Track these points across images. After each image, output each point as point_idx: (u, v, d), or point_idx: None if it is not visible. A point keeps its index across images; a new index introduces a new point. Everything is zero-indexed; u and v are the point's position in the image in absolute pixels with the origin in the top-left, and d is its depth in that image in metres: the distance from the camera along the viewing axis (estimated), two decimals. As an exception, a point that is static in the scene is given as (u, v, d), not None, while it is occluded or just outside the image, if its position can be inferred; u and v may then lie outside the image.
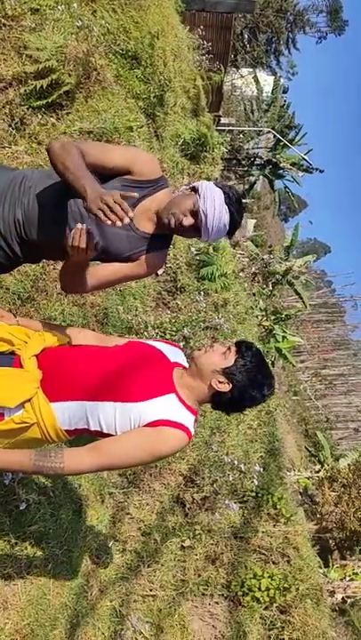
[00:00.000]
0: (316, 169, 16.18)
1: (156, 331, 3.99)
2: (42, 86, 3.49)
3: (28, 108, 3.50)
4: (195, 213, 1.76)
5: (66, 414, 1.65)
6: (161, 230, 1.86)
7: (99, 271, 1.98)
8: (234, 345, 1.71)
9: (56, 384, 1.67)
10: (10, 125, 3.41)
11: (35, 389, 1.64)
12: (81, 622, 2.85)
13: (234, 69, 16.25)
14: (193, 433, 1.66)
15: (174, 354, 1.81)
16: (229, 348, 1.69)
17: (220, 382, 1.66)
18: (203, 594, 3.46)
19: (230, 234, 1.87)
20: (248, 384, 1.65)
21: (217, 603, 3.47)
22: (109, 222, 1.45)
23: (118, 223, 1.43)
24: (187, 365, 1.76)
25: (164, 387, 1.67)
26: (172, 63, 5.19)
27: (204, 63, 6.91)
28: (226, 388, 1.66)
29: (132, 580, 3.25)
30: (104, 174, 1.73)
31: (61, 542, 2.87)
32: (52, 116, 3.60)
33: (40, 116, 3.53)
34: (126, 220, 1.44)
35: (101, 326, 3.76)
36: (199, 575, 3.48)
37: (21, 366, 1.70)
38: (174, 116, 5.55)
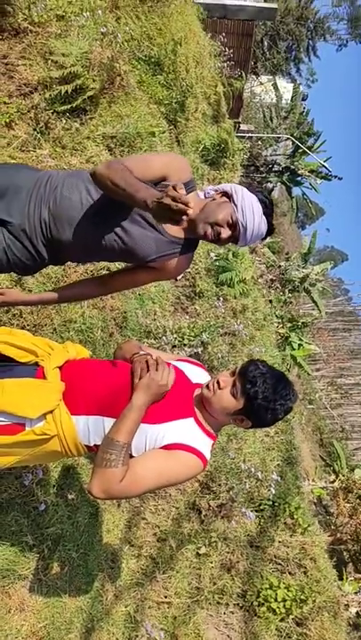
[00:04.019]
0: (335, 176, 16.06)
1: (175, 335, 3.98)
2: (67, 91, 3.53)
3: (52, 113, 3.54)
4: (232, 225, 1.73)
5: (86, 428, 1.63)
6: (189, 234, 1.84)
7: (119, 279, 1.97)
8: (238, 379, 1.59)
9: (77, 397, 1.65)
10: (35, 129, 3.45)
11: (57, 401, 1.63)
12: (96, 627, 2.84)
13: (253, 76, 16.26)
14: (209, 458, 1.61)
15: (196, 374, 1.78)
16: (235, 385, 1.60)
17: (239, 421, 1.63)
18: (218, 602, 3.42)
19: (264, 239, 1.85)
20: (267, 416, 1.59)
21: (232, 612, 3.43)
22: (175, 224, 1.43)
23: (185, 218, 1.40)
24: None
25: (183, 410, 1.64)
26: (193, 69, 5.22)
27: (225, 70, 6.93)
28: (245, 425, 1.63)
29: (147, 586, 3.23)
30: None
31: (78, 545, 2.86)
32: (75, 121, 3.63)
33: (64, 121, 3.56)
34: (190, 212, 1.40)
35: (120, 330, 3.76)
36: (214, 583, 3.44)
37: (44, 377, 1.69)
38: (195, 121, 5.57)
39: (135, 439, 1.56)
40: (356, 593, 7.98)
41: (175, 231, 1.83)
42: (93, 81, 3.67)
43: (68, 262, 2.00)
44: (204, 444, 1.61)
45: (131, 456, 1.58)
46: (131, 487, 1.53)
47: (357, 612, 7.55)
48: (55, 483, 2.83)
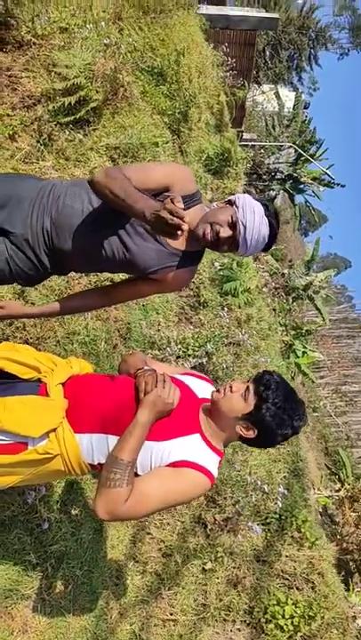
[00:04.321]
0: (338, 183, 16.08)
1: (179, 346, 3.94)
2: (70, 103, 3.53)
3: (55, 125, 3.53)
4: (233, 225, 1.70)
5: (89, 446, 1.59)
6: (193, 246, 1.81)
7: (121, 290, 1.95)
8: (252, 383, 1.58)
9: (81, 414, 1.62)
10: (38, 141, 3.44)
11: (60, 419, 1.59)
12: (100, 646, 2.78)
13: (255, 85, 16.33)
14: (216, 475, 1.57)
15: (203, 389, 1.73)
16: (248, 389, 1.58)
17: (244, 428, 1.57)
18: (224, 619, 3.36)
19: (267, 248, 1.81)
20: (275, 427, 1.54)
21: (239, 629, 3.36)
22: (171, 237, 1.42)
23: (179, 232, 1.39)
24: None
25: (189, 426, 1.59)
26: (196, 80, 5.22)
27: (227, 79, 6.94)
28: (251, 434, 1.57)
29: (152, 604, 3.17)
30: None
31: (82, 562, 2.81)
32: (79, 132, 3.62)
33: (67, 132, 3.56)
34: (185, 227, 1.39)
35: (124, 341, 3.73)
36: (221, 600, 3.38)
37: (47, 394, 1.66)
38: (198, 131, 5.57)
39: (140, 456, 1.52)
40: (363, 604, 7.89)
41: (177, 243, 1.80)
42: (97, 92, 3.66)
43: (72, 273, 1.98)
44: (211, 460, 1.57)
45: (136, 474, 1.55)
46: (136, 507, 1.49)
47: (365, 624, 7.46)
48: (59, 499, 2.79)
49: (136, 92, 4.09)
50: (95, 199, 1.74)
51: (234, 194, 5.66)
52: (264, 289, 6.10)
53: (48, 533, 2.64)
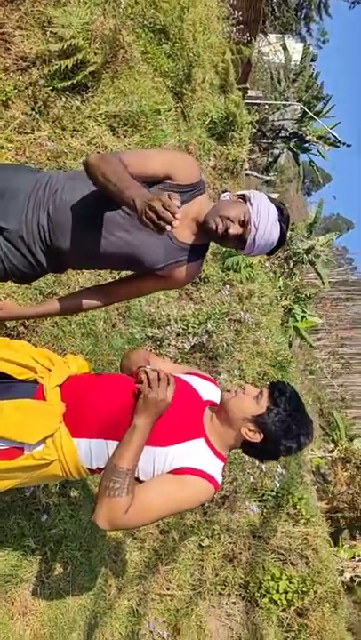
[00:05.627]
0: (344, 143, 15.60)
1: (179, 324, 3.87)
2: (67, 66, 3.31)
3: (51, 90, 3.32)
4: (244, 224, 1.61)
5: (88, 451, 1.55)
6: (200, 239, 1.72)
7: (123, 288, 1.86)
8: (267, 388, 1.55)
9: (79, 418, 1.56)
10: (32, 109, 3.24)
11: (57, 424, 1.54)
12: (99, 623, 2.85)
13: (261, 35, 15.57)
14: (220, 482, 1.53)
15: (207, 390, 1.67)
16: (261, 392, 1.54)
17: (250, 431, 1.51)
18: (220, 594, 3.45)
19: (271, 253, 1.71)
20: (282, 435, 1.49)
21: (234, 603, 3.46)
22: (157, 230, 1.30)
23: (168, 228, 1.28)
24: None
25: (193, 430, 1.54)
26: (201, 37, 4.91)
27: (233, 34, 6.56)
28: (257, 438, 1.51)
29: (149, 579, 3.24)
30: (145, 183, 1.59)
31: (81, 543, 2.84)
32: (76, 99, 3.42)
33: (64, 99, 3.35)
34: (175, 224, 1.29)
35: (123, 319, 3.66)
36: (217, 575, 3.46)
37: (44, 397, 1.59)
38: (202, 92, 5.29)
39: (143, 462, 1.48)
40: (350, 559, 8.22)
41: (185, 236, 1.70)
42: (95, 54, 3.43)
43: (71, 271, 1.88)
44: (214, 466, 1.53)
45: (138, 479, 1.51)
46: (138, 517, 1.45)
47: (351, 577, 7.80)
48: (57, 483, 2.78)
49: (137, 53, 3.84)
50: (95, 193, 1.62)
51: (237, 160, 5.36)
52: (266, 263, 5.97)
53: (47, 518, 2.65)
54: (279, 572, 3.55)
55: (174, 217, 1.27)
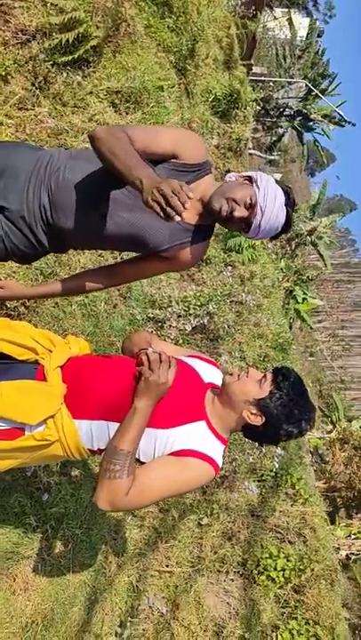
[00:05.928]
0: (349, 122, 15.35)
1: (181, 305, 3.86)
2: (67, 40, 3.23)
3: (52, 65, 3.25)
4: (250, 206, 1.58)
5: (89, 433, 1.55)
6: (205, 220, 1.69)
7: (127, 269, 1.84)
8: (270, 372, 1.55)
9: (80, 400, 1.56)
10: (33, 84, 3.18)
11: (58, 405, 1.54)
12: (99, 598, 2.90)
13: (267, 9, 15.18)
14: (220, 465, 1.54)
15: (209, 373, 1.67)
16: (265, 376, 1.54)
17: (252, 414, 1.51)
18: (218, 571, 3.50)
19: (275, 237, 1.69)
20: (283, 419, 1.49)
21: (232, 580, 3.52)
22: (164, 216, 1.24)
23: (177, 218, 1.23)
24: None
25: (195, 412, 1.54)
26: (205, 10, 4.79)
27: (238, 8, 6.39)
28: (258, 421, 1.51)
29: (149, 556, 3.29)
30: (150, 160, 1.55)
31: (81, 521, 2.88)
32: (77, 74, 3.34)
33: (65, 74, 3.28)
34: (184, 215, 1.24)
35: (124, 300, 3.64)
36: (215, 552, 3.51)
37: (45, 378, 1.59)
38: (206, 68, 5.18)
39: (144, 444, 1.49)
40: (346, 537, 8.38)
41: (190, 217, 1.67)
42: (97, 28, 3.34)
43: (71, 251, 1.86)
44: (215, 449, 1.53)
45: (139, 461, 1.52)
46: (138, 498, 1.46)
47: (347, 555, 7.96)
48: (58, 463, 2.81)
49: (140, 27, 3.74)
50: (98, 172, 1.59)
51: (240, 139, 5.25)
52: (269, 245, 5.92)
53: (48, 497, 2.68)
54: (277, 551, 3.60)
55: (184, 206, 1.22)
